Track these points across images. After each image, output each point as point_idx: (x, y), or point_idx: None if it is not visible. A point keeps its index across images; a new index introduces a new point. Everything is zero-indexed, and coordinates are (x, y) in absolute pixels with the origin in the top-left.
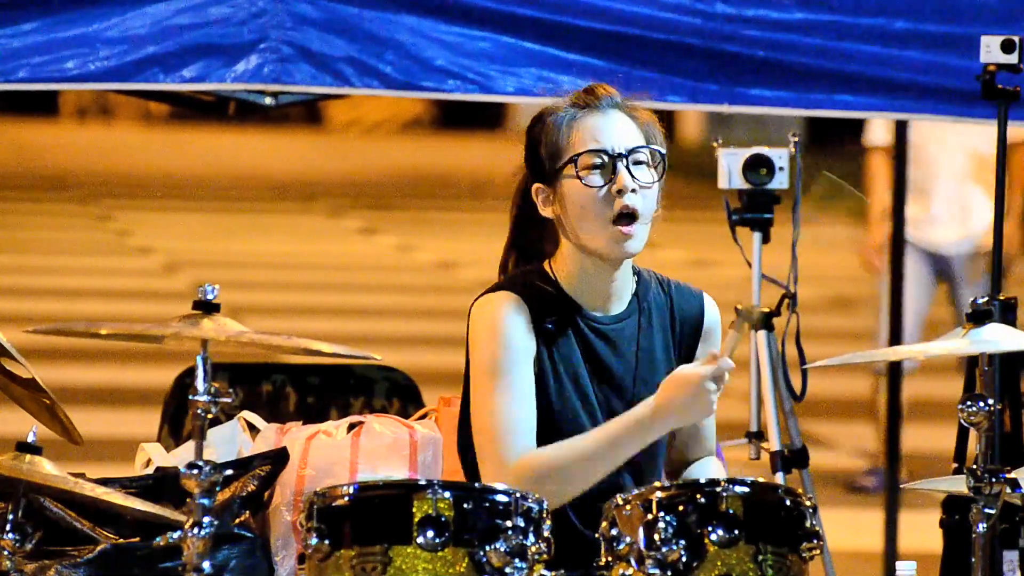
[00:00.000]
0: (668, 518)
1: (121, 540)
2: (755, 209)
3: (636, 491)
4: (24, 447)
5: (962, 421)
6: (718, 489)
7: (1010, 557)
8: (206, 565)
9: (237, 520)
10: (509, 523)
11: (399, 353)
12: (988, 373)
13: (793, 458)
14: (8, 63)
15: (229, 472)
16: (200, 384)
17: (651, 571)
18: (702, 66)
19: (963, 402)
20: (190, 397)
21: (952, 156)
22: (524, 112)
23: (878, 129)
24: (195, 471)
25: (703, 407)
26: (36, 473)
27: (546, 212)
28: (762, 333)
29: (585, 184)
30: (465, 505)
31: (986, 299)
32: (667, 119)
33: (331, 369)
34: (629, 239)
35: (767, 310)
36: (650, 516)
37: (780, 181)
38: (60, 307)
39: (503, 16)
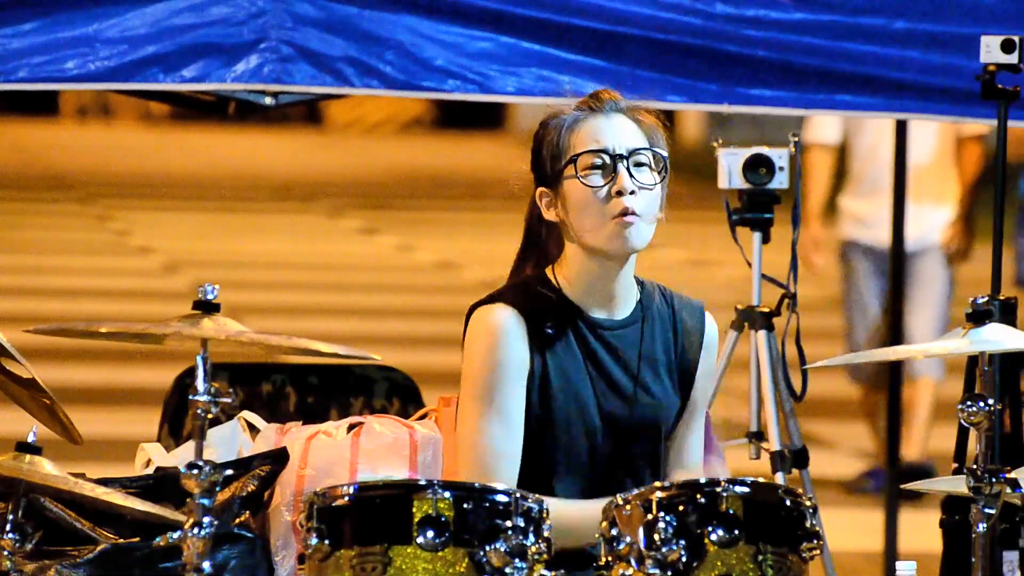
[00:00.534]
0: (668, 518)
1: (121, 540)
2: (755, 209)
3: (636, 491)
4: (24, 447)
5: (962, 421)
6: (718, 489)
7: (1010, 557)
8: (206, 565)
9: (237, 520)
10: (509, 523)
11: (399, 353)
12: (988, 373)
13: (793, 458)
14: (8, 63)
15: (229, 472)
16: (200, 384)
17: (651, 571)
18: (702, 66)
19: (963, 402)
20: (190, 397)
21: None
22: (524, 112)
23: (820, 126)
24: (195, 471)
25: None
26: (36, 473)
27: (549, 215)
28: (762, 333)
29: (584, 184)
30: (465, 505)
31: (986, 299)
32: (667, 119)
33: (331, 369)
34: (630, 228)
35: (767, 310)
36: (650, 516)
37: (780, 181)
38: (60, 307)
39: (503, 16)
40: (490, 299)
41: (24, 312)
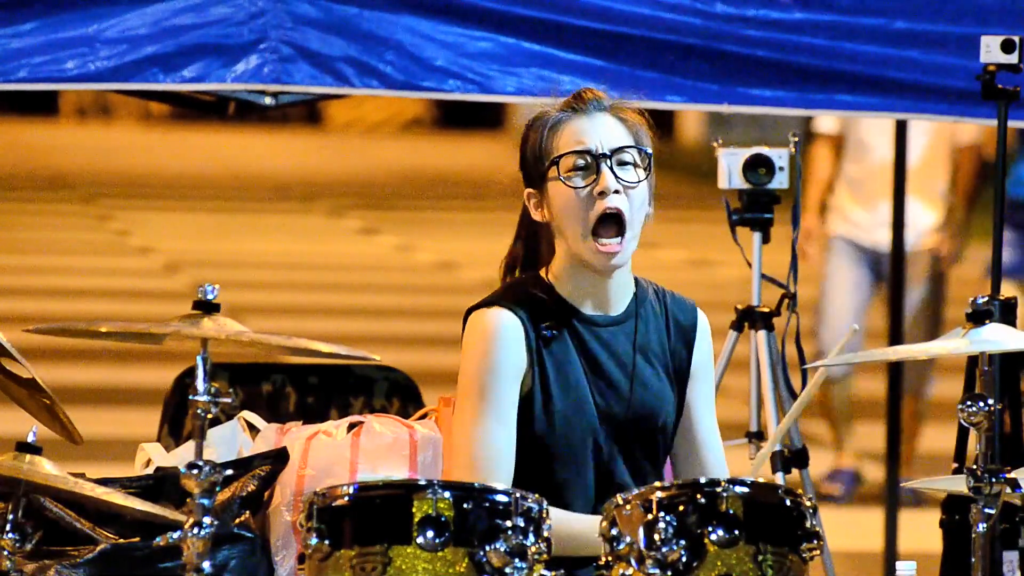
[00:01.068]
0: (668, 518)
1: (121, 540)
2: (755, 209)
3: (636, 491)
4: (24, 447)
5: (962, 421)
6: (718, 489)
7: (1010, 557)
8: (206, 565)
9: (237, 520)
10: (509, 523)
11: (399, 353)
12: (988, 373)
13: (793, 458)
14: (8, 63)
15: (229, 472)
16: (200, 384)
17: (651, 571)
18: (702, 66)
19: (963, 402)
20: (190, 397)
21: (889, 155)
22: (524, 112)
23: (820, 120)
24: (195, 471)
25: None
26: (36, 473)
27: (537, 216)
28: (762, 333)
29: (567, 185)
30: (465, 505)
31: (986, 299)
32: (667, 119)
33: (331, 369)
34: (614, 254)
35: (767, 310)
36: (650, 516)
37: (780, 181)
38: (60, 307)
39: (503, 16)
40: (487, 302)
41: (24, 312)
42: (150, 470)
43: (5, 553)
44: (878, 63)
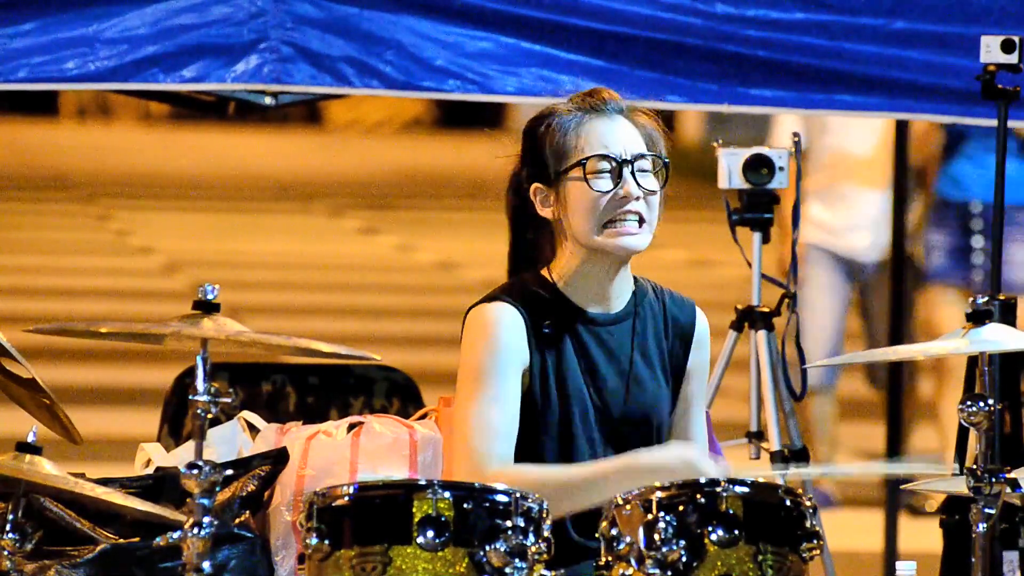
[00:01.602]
0: (668, 518)
1: (121, 540)
2: (755, 209)
3: (636, 491)
4: (24, 447)
5: (962, 421)
6: (718, 489)
7: (1010, 557)
8: (206, 565)
9: (237, 520)
10: (509, 523)
11: (399, 353)
12: (988, 373)
13: (793, 458)
14: (8, 63)
15: (229, 472)
16: (200, 384)
17: (651, 571)
18: (702, 66)
19: (963, 402)
20: (190, 397)
21: (859, 160)
22: (524, 112)
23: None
24: (195, 471)
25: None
26: (36, 473)
27: (545, 213)
28: (762, 333)
29: (593, 188)
30: (465, 505)
31: (986, 299)
32: (667, 119)
33: (331, 369)
34: (633, 236)
35: (767, 310)
36: (650, 516)
37: (780, 181)
38: (60, 307)
39: (503, 16)
40: (488, 298)
41: (24, 312)
42: (150, 470)
43: (5, 553)
44: (878, 63)
